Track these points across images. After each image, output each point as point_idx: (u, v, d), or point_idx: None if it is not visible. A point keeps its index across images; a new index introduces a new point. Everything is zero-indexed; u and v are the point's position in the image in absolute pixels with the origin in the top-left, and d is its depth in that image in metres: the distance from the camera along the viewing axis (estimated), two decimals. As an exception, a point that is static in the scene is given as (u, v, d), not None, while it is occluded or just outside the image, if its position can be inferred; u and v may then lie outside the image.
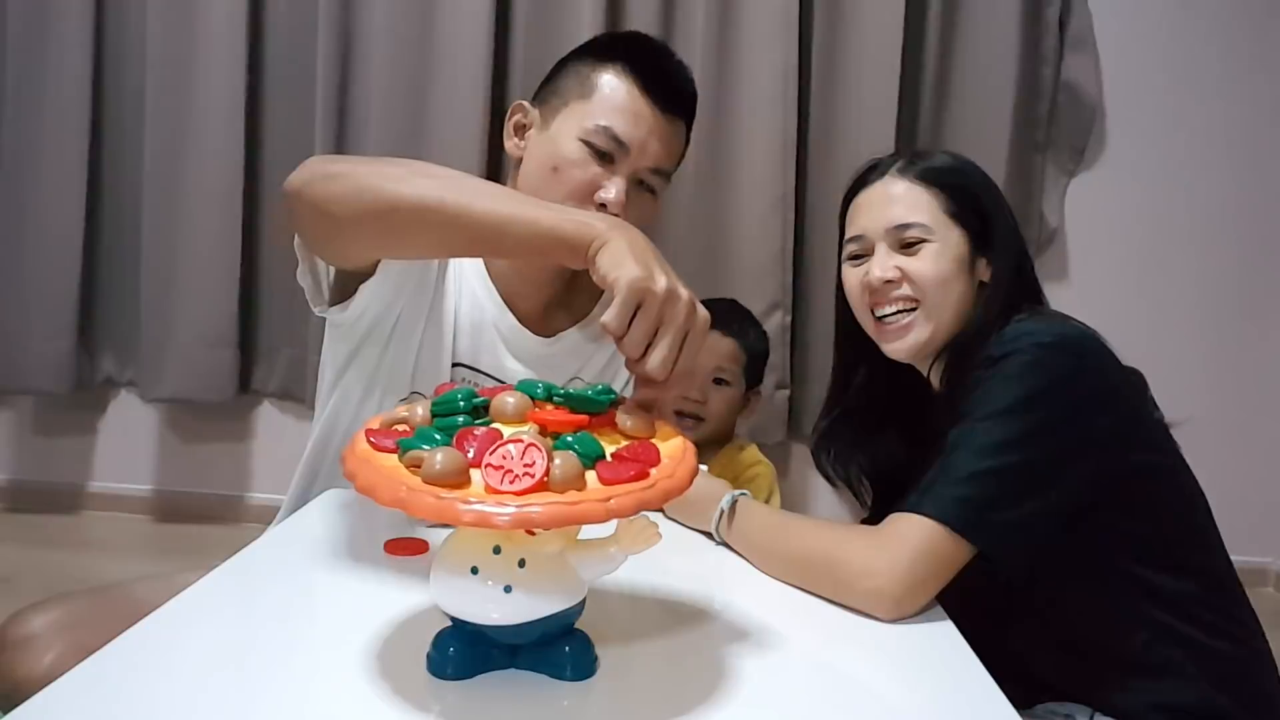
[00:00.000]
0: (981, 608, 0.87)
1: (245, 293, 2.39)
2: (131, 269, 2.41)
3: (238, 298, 2.38)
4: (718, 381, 1.66)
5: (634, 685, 0.64)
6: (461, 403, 0.64)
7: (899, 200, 1.03)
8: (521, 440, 0.57)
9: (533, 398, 0.65)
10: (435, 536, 0.91)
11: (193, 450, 2.57)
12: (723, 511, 0.97)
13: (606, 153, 1.09)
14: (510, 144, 1.19)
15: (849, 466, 1.16)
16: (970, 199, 1.03)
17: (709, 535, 1.00)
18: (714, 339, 1.67)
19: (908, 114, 2.25)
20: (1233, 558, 0.98)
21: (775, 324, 2.20)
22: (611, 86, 1.11)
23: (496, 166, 2.27)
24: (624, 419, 0.66)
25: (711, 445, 1.69)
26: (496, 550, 0.61)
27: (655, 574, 0.85)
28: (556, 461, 0.57)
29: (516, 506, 0.55)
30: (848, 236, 1.08)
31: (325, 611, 0.76)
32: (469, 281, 1.18)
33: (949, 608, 0.85)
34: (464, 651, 0.65)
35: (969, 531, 0.84)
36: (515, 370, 1.17)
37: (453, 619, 0.66)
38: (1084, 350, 0.93)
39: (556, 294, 1.20)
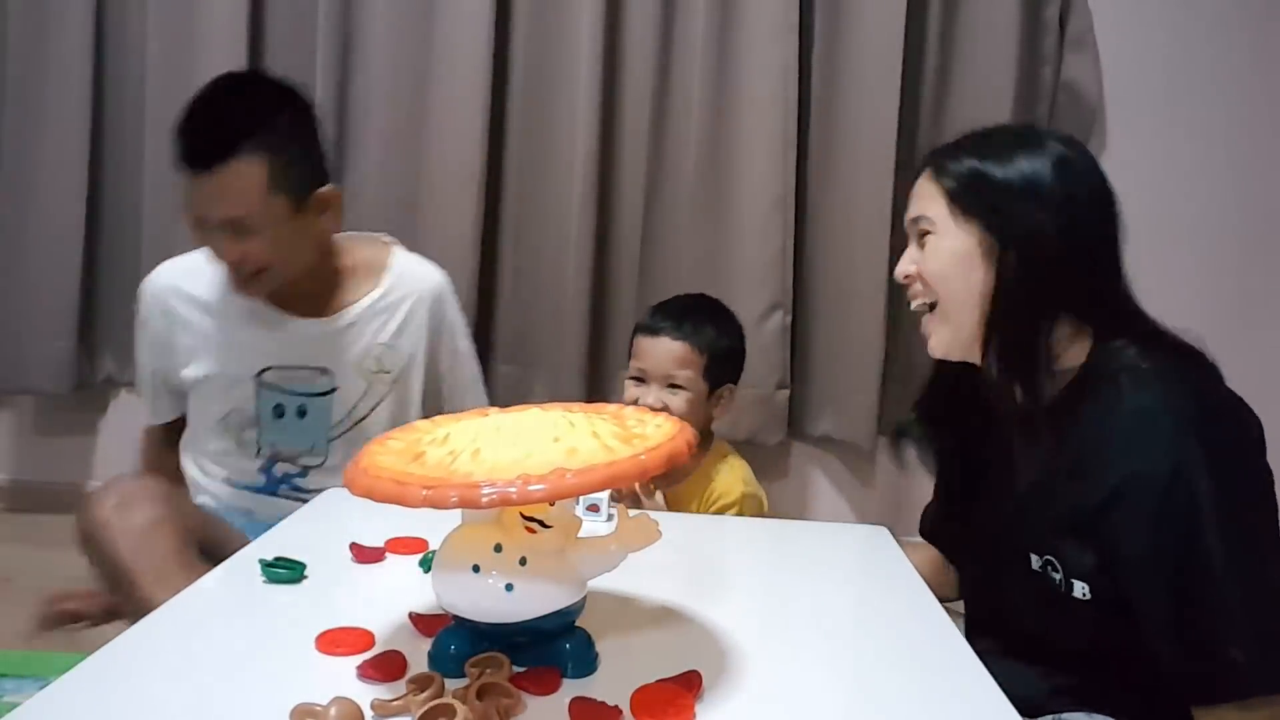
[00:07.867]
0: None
1: (245, 293, 2.39)
2: (131, 269, 2.40)
3: (237, 298, 2.37)
4: (672, 387, 1.55)
5: (634, 683, 0.64)
6: None
7: (916, 196, 1.03)
8: None
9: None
10: (435, 535, 0.91)
11: (193, 450, 2.57)
12: None
13: (203, 226, 1.24)
14: None
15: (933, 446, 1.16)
16: (983, 191, 0.97)
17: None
18: (664, 344, 1.54)
19: (908, 114, 2.25)
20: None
21: (775, 324, 2.20)
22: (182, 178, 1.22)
23: (496, 166, 2.27)
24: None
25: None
26: (498, 548, 0.62)
27: (655, 572, 0.85)
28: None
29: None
30: None
31: (325, 611, 0.76)
32: (235, 300, 1.31)
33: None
34: (465, 649, 0.65)
35: None
36: (309, 355, 1.34)
37: (454, 617, 0.66)
38: (1221, 407, 0.93)
39: (316, 280, 1.35)
